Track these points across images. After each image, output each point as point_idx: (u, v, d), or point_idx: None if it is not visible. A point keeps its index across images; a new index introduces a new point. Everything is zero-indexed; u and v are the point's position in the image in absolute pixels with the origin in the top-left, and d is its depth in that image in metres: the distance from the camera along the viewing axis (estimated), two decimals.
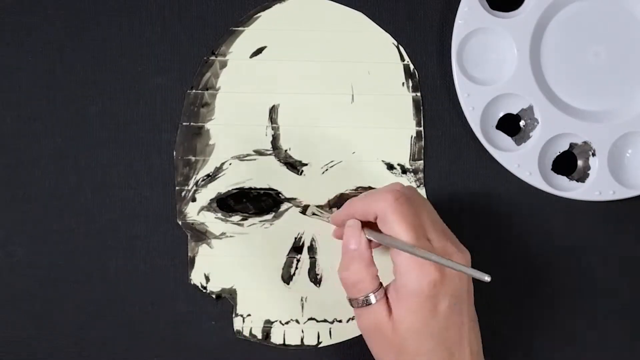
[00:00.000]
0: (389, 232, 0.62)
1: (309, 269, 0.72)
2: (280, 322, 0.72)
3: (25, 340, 0.72)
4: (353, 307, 0.64)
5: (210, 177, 0.72)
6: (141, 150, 0.72)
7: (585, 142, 0.72)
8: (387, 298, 0.63)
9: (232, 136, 0.72)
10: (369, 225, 0.64)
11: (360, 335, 0.72)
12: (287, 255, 0.72)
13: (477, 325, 0.65)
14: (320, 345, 0.72)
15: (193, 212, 0.72)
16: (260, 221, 0.72)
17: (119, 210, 0.72)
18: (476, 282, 0.62)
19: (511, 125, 0.72)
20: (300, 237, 0.72)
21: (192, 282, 0.72)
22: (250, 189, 0.72)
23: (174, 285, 0.72)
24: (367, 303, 0.63)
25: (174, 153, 0.72)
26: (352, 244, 0.64)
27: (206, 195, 0.72)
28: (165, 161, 0.72)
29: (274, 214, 0.72)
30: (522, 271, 0.72)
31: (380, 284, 0.64)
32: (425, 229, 0.63)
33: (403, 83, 0.72)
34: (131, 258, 0.72)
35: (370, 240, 0.64)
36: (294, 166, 0.72)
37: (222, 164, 0.72)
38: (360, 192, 0.72)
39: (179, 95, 0.72)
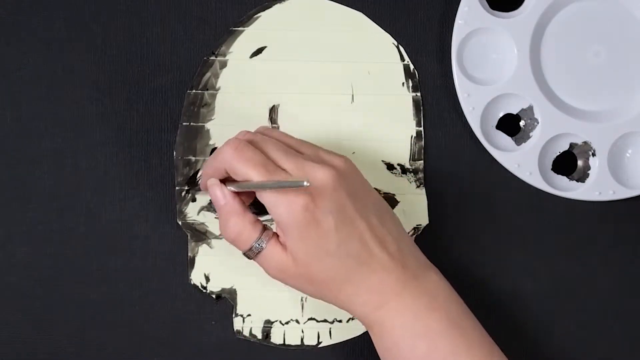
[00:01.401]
0: (242, 179, 0.63)
1: None
2: (280, 322, 0.72)
3: (25, 340, 0.72)
4: (251, 259, 0.64)
5: None
6: (141, 150, 0.72)
7: (585, 142, 0.72)
8: (277, 237, 0.63)
9: (232, 136, 0.72)
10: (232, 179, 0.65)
11: (360, 335, 0.72)
12: None
13: (384, 219, 0.64)
14: (320, 345, 0.72)
15: (193, 212, 0.72)
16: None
17: (119, 210, 0.72)
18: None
19: (511, 125, 0.72)
20: None
21: (192, 282, 0.72)
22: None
23: (174, 285, 0.72)
24: (259, 250, 0.64)
25: (174, 153, 0.72)
26: (219, 200, 0.64)
27: (206, 195, 0.72)
28: (165, 161, 0.72)
29: None
30: (521, 271, 0.72)
31: (264, 226, 0.64)
32: (277, 161, 0.63)
33: (403, 83, 0.72)
34: (131, 258, 0.72)
35: (237, 193, 0.64)
36: None
37: None
38: None
39: (179, 95, 0.72)
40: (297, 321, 0.72)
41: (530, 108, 0.71)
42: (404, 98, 0.72)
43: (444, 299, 0.63)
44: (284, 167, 0.63)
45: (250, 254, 0.64)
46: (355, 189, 0.64)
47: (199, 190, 0.71)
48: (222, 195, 0.64)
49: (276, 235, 0.64)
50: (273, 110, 0.72)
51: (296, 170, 0.62)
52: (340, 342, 0.72)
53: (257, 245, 0.63)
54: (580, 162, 0.72)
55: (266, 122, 0.71)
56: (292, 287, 0.65)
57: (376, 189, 0.71)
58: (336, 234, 0.62)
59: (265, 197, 0.62)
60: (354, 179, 0.64)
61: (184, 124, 0.72)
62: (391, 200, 0.72)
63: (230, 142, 0.64)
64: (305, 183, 0.59)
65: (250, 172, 0.62)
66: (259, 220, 0.64)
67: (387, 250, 0.63)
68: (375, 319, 0.63)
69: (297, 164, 0.63)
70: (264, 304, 0.72)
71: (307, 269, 0.63)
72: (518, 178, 0.71)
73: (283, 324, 0.72)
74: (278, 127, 0.72)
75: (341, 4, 0.72)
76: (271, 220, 0.68)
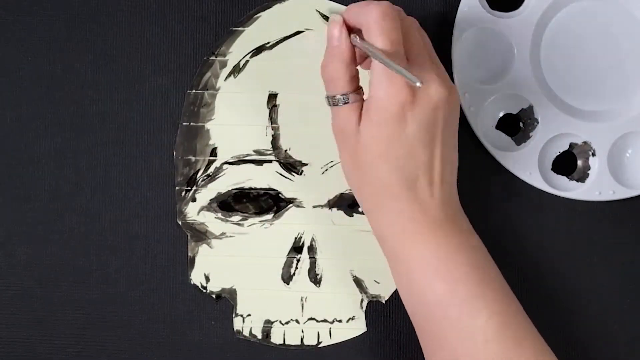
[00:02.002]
0: (371, 42, 0.62)
1: (309, 269, 0.72)
2: (280, 322, 0.72)
3: (25, 340, 0.72)
4: (328, 105, 0.64)
5: (210, 177, 0.72)
6: (141, 150, 0.72)
7: (585, 142, 0.72)
8: (362, 106, 0.63)
9: (232, 136, 0.72)
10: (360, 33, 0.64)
11: (360, 335, 0.72)
12: (287, 255, 0.72)
13: (452, 160, 0.64)
14: (320, 345, 0.72)
15: (193, 212, 0.72)
16: (260, 221, 0.72)
17: (119, 210, 0.72)
18: None
19: (511, 125, 0.72)
20: (300, 237, 0.72)
21: (192, 282, 0.72)
22: (250, 189, 0.72)
23: (174, 285, 0.72)
24: (340, 102, 0.63)
25: (174, 153, 0.72)
26: (334, 39, 0.64)
27: (206, 195, 0.72)
28: (165, 161, 0.72)
29: (274, 214, 0.72)
30: (521, 271, 0.72)
31: (360, 88, 0.64)
32: (408, 50, 0.62)
33: None
34: (131, 258, 0.72)
35: (354, 47, 0.64)
36: (294, 166, 0.72)
37: (222, 164, 0.72)
38: None
39: (179, 95, 0.72)
40: (297, 321, 0.72)
41: (530, 108, 0.71)
42: None
43: (472, 245, 0.63)
44: (410, 55, 0.62)
45: (332, 100, 0.64)
46: (451, 120, 0.63)
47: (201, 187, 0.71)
48: (339, 36, 0.63)
49: (362, 103, 0.63)
50: (273, 110, 0.72)
51: (420, 64, 0.62)
52: (340, 342, 0.72)
53: (341, 98, 0.63)
54: (580, 162, 0.72)
55: (266, 122, 0.71)
56: (339, 154, 0.65)
57: None
58: (411, 144, 0.61)
59: (376, 69, 0.61)
60: (455, 112, 0.64)
61: (184, 124, 0.72)
62: None
63: (382, 6, 0.62)
64: (418, 84, 0.59)
65: (381, 42, 0.61)
66: (358, 77, 0.64)
67: (439, 186, 0.63)
68: (398, 245, 0.63)
69: (423, 64, 0.62)
70: (264, 304, 0.72)
71: (363, 152, 0.62)
72: (518, 178, 0.71)
73: (283, 324, 0.72)
74: (278, 127, 0.72)
75: (341, 4, 0.72)
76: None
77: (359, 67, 0.65)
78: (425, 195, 0.62)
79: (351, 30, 0.64)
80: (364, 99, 0.63)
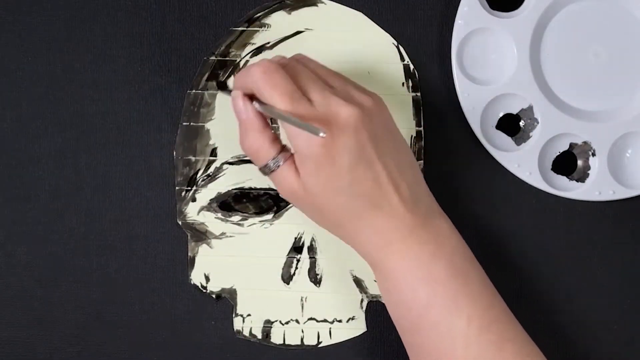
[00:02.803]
0: (267, 103, 0.62)
1: (309, 269, 0.72)
2: (280, 322, 0.72)
3: (25, 340, 0.72)
4: (266, 175, 0.64)
5: (210, 177, 0.72)
6: (141, 150, 0.72)
7: (585, 142, 0.72)
8: (294, 161, 0.63)
9: (232, 136, 0.71)
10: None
11: (360, 335, 0.72)
12: (287, 255, 0.72)
13: (401, 163, 0.64)
14: (320, 345, 0.72)
15: (193, 212, 0.72)
16: (260, 221, 0.72)
17: (119, 210, 0.72)
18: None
19: (511, 125, 0.72)
20: (300, 237, 0.72)
21: (192, 282, 0.72)
22: (250, 189, 0.72)
23: (174, 285, 0.72)
24: (274, 167, 0.63)
25: (174, 153, 0.72)
26: (241, 113, 0.64)
27: (206, 195, 0.72)
28: (165, 161, 0.72)
29: (273, 214, 0.72)
30: (521, 271, 0.72)
31: (284, 147, 0.64)
32: (306, 91, 0.62)
33: (403, 83, 0.72)
34: (131, 258, 0.72)
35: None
36: None
37: (222, 164, 0.72)
38: None
39: (179, 95, 0.72)
40: (297, 321, 0.72)
41: (530, 108, 0.71)
42: (404, 98, 0.72)
43: (450, 248, 0.63)
44: (310, 97, 0.62)
45: (266, 170, 0.64)
46: (378, 130, 0.63)
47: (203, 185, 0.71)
48: (245, 109, 0.64)
49: (293, 157, 0.63)
50: None
51: (321, 103, 0.62)
52: (340, 342, 0.72)
53: (272, 164, 0.63)
54: (580, 162, 0.72)
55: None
56: (299, 210, 0.65)
57: None
58: (350, 173, 0.61)
59: (285, 126, 0.62)
60: (379, 120, 0.63)
61: (184, 124, 0.72)
62: None
63: (261, 63, 0.63)
64: (321, 134, 0.59)
65: (275, 99, 0.61)
66: (278, 138, 0.64)
67: (399, 195, 0.62)
68: (378, 258, 0.63)
69: (324, 97, 0.62)
70: (264, 304, 0.72)
71: (317, 200, 0.63)
72: (518, 178, 0.71)
73: (283, 324, 0.72)
74: (278, 127, 0.72)
75: (341, 4, 0.72)
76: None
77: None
78: (389, 208, 0.62)
79: (252, 98, 0.64)
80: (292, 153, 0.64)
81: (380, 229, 0.63)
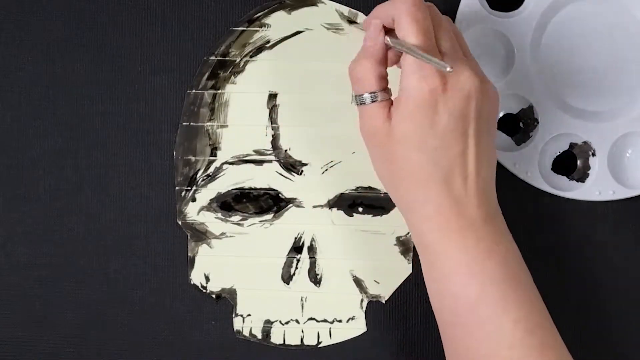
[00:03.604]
0: (401, 35, 0.61)
1: (309, 269, 0.72)
2: (280, 322, 0.72)
3: (25, 340, 0.72)
4: (357, 105, 0.64)
5: (210, 177, 0.72)
6: (141, 150, 0.72)
7: (585, 142, 0.72)
8: (391, 105, 0.62)
9: (232, 136, 0.72)
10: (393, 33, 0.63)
11: (360, 335, 0.72)
12: (287, 255, 0.72)
13: (489, 155, 0.63)
14: (320, 345, 0.72)
15: (193, 212, 0.72)
16: (260, 221, 0.72)
17: (119, 210, 0.72)
18: None
19: (511, 125, 0.72)
20: (300, 237, 0.72)
21: (192, 282, 0.72)
22: (250, 189, 0.72)
23: (174, 285, 0.72)
24: (368, 100, 0.63)
25: (174, 153, 0.72)
26: (368, 40, 0.63)
27: (206, 195, 0.72)
28: (165, 161, 0.72)
29: (273, 214, 0.72)
30: None
31: (387, 89, 0.63)
32: (440, 40, 0.62)
33: None
34: (131, 258, 0.72)
35: (389, 47, 0.63)
36: (294, 166, 0.72)
37: (222, 164, 0.72)
38: (361, 192, 0.72)
39: (179, 95, 0.72)
40: (297, 321, 0.72)
41: (530, 108, 0.71)
42: None
43: (505, 248, 0.62)
44: (441, 48, 0.62)
45: (360, 99, 0.63)
46: (485, 111, 0.62)
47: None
48: (375, 36, 0.63)
49: (391, 102, 0.63)
50: (273, 110, 0.72)
51: (451, 56, 0.61)
52: (340, 342, 0.72)
53: (369, 97, 0.63)
54: (580, 162, 0.72)
55: (266, 122, 0.71)
56: (370, 154, 0.64)
57: (376, 188, 0.71)
58: (444, 133, 0.61)
59: (407, 61, 0.61)
60: (490, 104, 0.63)
61: (184, 124, 0.72)
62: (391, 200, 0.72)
63: (410, 1, 0.62)
64: (448, 69, 0.58)
65: (412, 31, 0.61)
66: (386, 78, 0.63)
67: (476, 182, 0.62)
68: (432, 242, 0.62)
69: (453, 52, 0.62)
70: (264, 304, 0.72)
71: (396, 148, 0.61)
72: (518, 178, 0.71)
73: (283, 324, 0.72)
74: (278, 127, 0.72)
75: (341, 3, 0.72)
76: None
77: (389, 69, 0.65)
78: (460, 191, 0.61)
79: (389, 31, 0.63)
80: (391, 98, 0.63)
81: (443, 209, 0.61)
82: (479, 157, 0.62)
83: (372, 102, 0.62)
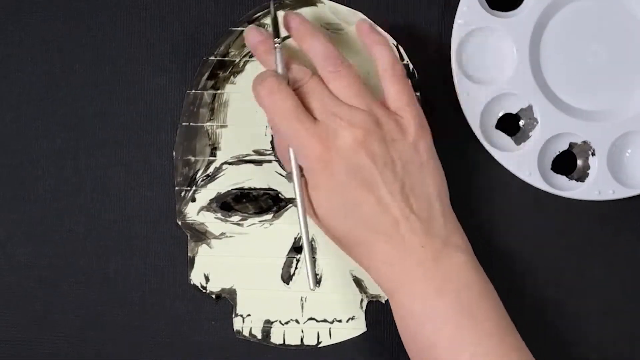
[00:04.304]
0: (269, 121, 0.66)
1: None
2: (280, 322, 0.72)
3: (25, 340, 0.72)
4: (289, 181, 0.66)
5: (210, 177, 0.72)
6: (141, 150, 0.72)
7: (584, 142, 0.72)
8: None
9: (232, 136, 0.72)
10: None
11: (360, 335, 0.72)
12: (287, 255, 0.72)
13: (418, 186, 0.63)
14: (320, 345, 0.72)
15: (193, 212, 0.72)
16: (260, 221, 0.72)
17: (119, 210, 0.72)
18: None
19: (511, 125, 0.72)
20: (300, 237, 0.72)
21: (192, 282, 0.72)
22: (250, 189, 0.72)
23: (174, 285, 0.72)
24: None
25: (174, 153, 0.72)
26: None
27: (206, 195, 0.72)
28: (165, 161, 0.72)
29: (273, 214, 0.72)
30: (521, 271, 0.72)
31: (301, 168, 0.65)
32: (311, 110, 0.64)
33: None
34: (131, 258, 0.72)
35: None
36: None
37: (222, 164, 0.72)
38: None
39: (178, 95, 0.72)
40: (297, 321, 0.72)
41: (530, 108, 0.71)
42: None
43: (459, 284, 0.62)
44: (315, 116, 0.63)
45: (289, 178, 0.66)
46: (394, 154, 0.63)
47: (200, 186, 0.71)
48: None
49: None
50: None
51: (323, 123, 0.62)
52: (340, 342, 0.72)
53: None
54: (579, 162, 0.72)
55: (266, 122, 0.71)
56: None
57: None
58: (351, 192, 0.62)
59: (289, 142, 0.64)
60: (399, 145, 0.63)
61: (184, 124, 0.72)
62: None
63: (265, 84, 0.64)
64: (311, 286, 0.64)
65: (276, 120, 0.63)
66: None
67: (408, 224, 0.62)
68: (388, 289, 0.63)
69: (327, 117, 0.63)
70: (264, 304, 0.72)
71: (324, 220, 0.63)
72: (518, 178, 0.71)
73: (283, 324, 0.72)
74: None
75: (341, 3, 0.72)
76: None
77: None
78: (397, 237, 0.62)
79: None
80: None
81: (387, 258, 0.62)
82: (398, 202, 0.62)
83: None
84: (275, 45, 0.66)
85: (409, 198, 0.62)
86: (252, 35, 0.68)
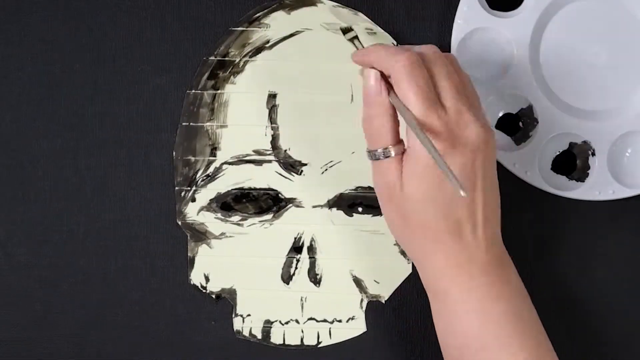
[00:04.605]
0: (401, 96, 0.61)
1: (308, 269, 0.72)
2: (280, 322, 0.72)
3: (25, 340, 0.72)
4: (370, 160, 0.64)
5: (210, 177, 0.72)
6: (141, 150, 0.72)
7: (584, 142, 0.72)
8: (403, 159, 0.63)
9: (232, 136, 0.72)
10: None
11: (360, 335, 0.72)
12: (287, 255, 0.72)
13: (495, 201, 0.64)
14: (320, 345, 0.72)
15: (193, 212, 0.72)
16: (260, 221, 0.72)
17: (119, 210, 0.72)
18: None
19: (511, 125, 0.72)
20: (300, 237, 0.72)
21: (192, 282, 0.72)
22: (250, 189, 0.72)
23: (173, 285, 0.72)
24: (382, 156, 0.63)
25: (174, 153, 0.72)
26: (372, 94, 0.63)
27: (206, 195, 0.72)
28: (165, 161, 0.72)
29: (273, 214, 0.72)
30: (521, 271, 0.72)
31: (401, 141, 0.63)
32: (441, 93, 0.62)
33: None
34: (131, 258, 0.72)
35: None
36: (294, 166, 0.72)
37: (222, 164, 0.72)
38: (360, 192, 0.72)
39: (178, 95, 0.72)
40: (297, 321, 0.72)
41: (530, 108, 0.71)
42: None
43: (512, 290, 0.63)
44: (444, 103, 0.62)
45: (373, 155, 0.63)
46: (488, 160, 0.63)
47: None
48: (380, 92, 0.63)
49: (403, 155, 0.63)
50: (272, 110, 0.72)
51: (454, 113, 0.61)
52: (340, 342, 0.72)
53: (382, 152, 0.63)
54: (579, 162, 0.72)
55: (266, 122, 0.71)
56: (381, 206, 0.64)
57: None
58: (451, 191, 0.61)
59: (406, 120, 0.61)
60: (492, 151, 0.63)
61: (184, 124, 0.72)
62: None
63: (406, 54, 0.61)
64: (462, 194, 0.57)
65: (410, 98, 0.61)
66: (398, 131, 0.63)
67: (484, 229, 0.62)
68: (442, 287, 0.63)
69: (457, 107, 0.61)
70: (264, 304, 0.72)
71: (409, 204, 0.62)
72: (517, 177, 0.71)
73: (283, 324, 0.72)
74: (277, 127, 0.72)
75: (341, 3, 0.72)
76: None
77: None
78: (469, 240, 0.62)
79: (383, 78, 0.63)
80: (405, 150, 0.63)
81: (453, 256, 0.62)
82: (486, 206, 0.63)
83: (386, 157, 0.62)
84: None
85: (489, 205, 0.63)
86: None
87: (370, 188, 0.72)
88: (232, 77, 0.72)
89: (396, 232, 0.64)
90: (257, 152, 0.72)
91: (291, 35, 0.72)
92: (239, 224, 0.72)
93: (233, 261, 0.72)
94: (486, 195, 0.62)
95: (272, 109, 0.72)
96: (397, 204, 0.63)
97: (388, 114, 0.62)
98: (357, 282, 0.72)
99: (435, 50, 0.64)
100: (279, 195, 0.72)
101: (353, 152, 0.72)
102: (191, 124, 0.72)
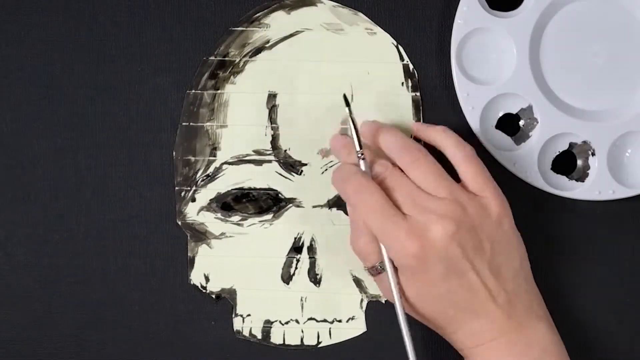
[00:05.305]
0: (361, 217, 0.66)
1: (308, 269, 0.72)
2: (280, 322, 0.72)
3: (25, 340, 0.72)
4: (371, 276, 0.67)
5: (210, 177, 0.72)
6: (141, 150, 0.72)
7: (584, 142, 0.72)
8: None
9: (232, 136, 0.72)
10: None
11: (360, 335, 0.72)
12: (287, 255, 0.72)
13: (507, 265, 0.65)
14: (320, 345, 0.72)
15: (193, 212, 0.72)
16: (260, 221, 0.72)
17: (119, 210, 0.72)
18: None
19: (511, 124, 0.72)
20: (300, 237, 0.72)
21: (192, 282, 0.72)
22: (250, 189, 0.72)
23: (173, 285, 0.72)
24: (378, 271, 0.66)
25: (174, 153, 0.72)
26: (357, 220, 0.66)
27: (206, 195, 0.72)
28: (165, 161, 0.72)
29: (273, 214, 0.72)
30: None
31: None
32: (400, 205, 0.64)
33: (402, 83, 0.72)
34: (131, 258, 0.72)
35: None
36: (294, 166, 0.72)
37: (222, 164, 0.72)
38: None
39: (178, 95, 0.72)
40: (297, 321, 0.72)
41: (530, 108, 0.71)
42: (404, 98, 0.72)
43: (540, 350, 0.65)
44: (404, 211, 0.64)
45: (372, 271, 0.66)
46: (477, 238, 0.64)
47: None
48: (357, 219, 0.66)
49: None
50: (272, 110, 0.72)
51: (414, 218, 0.63)
52: (340, 342, 0.72)
53: (378, 266, 0.66)
54: (579, 162, 0.72)
55: (265, 122, 0.71)
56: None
57: None
58: (444, 283, 0.63)
59: (379, 239, 0.65)
60: (482, 227, 0.65)
61: (184, 124, 0.72)
62: None
63: (353, 180, 0.65)
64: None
65: (367, 216, 0.64)
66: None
67: (495, 300, 0.64)
68: (472, 354, 0.65)
69: (417, 212, 0.64)
70: (264, 304, 0.72)
71: (414, 304, 0.65)
72: (517, 178, 0.71)
73: (283, 324, 0.72)
74: (277, 127, 0.72)
75: (341, 3, 0.72)
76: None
77: None
78: (485, 312, 0.64)
79: None
80: None
81: (475, 331, 0.64)
82: (487, 281, 0.64)
83: (380, 272, 0.66)
84: (359, 156, 0.66)
85: (498, 276, 0.65)
86: (336, 141, 0.69)
87: None
88: (232, 77, 0.72)
89: (420, 321, 0.67)
90: (257, 152, 0.72)
91: (291, 35, 0.72)
92: (239, 224, 0.72)
93: (233, 261, 0.72)
94: (482, 270, 0.64)
95: (272, 109, 0.72)
96: (407, 308, 0.65)
97: (370, 234, 0.65)
98: (357, 282, 0.72)
99: (405, 160, 0.67)
100: (279, 195, 0.72)
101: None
102: (191, 124, 0.72)
